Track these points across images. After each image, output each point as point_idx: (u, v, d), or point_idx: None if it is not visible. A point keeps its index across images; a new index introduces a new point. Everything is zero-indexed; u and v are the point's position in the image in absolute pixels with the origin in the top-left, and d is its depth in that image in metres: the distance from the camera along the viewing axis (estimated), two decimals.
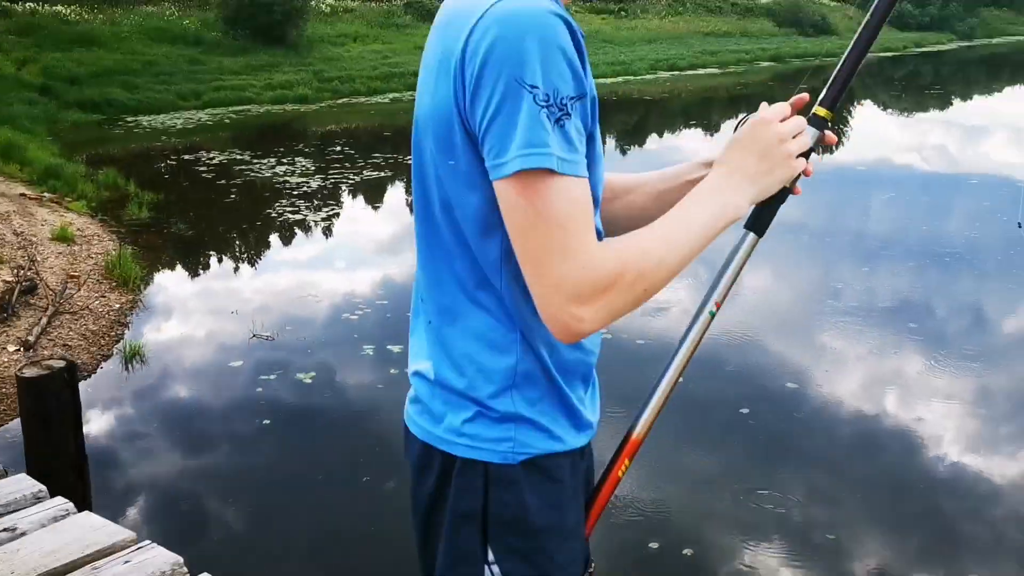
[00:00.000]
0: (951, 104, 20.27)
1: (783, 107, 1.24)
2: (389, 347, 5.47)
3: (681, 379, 1.30)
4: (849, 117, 18.43)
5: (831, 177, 11.40)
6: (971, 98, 21.76)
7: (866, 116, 18.51)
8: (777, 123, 1.21)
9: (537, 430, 1.20)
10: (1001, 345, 5.83)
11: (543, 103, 1.02)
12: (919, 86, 24.67)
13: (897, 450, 4.38)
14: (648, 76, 23.37)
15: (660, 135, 15.79)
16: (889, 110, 19.47)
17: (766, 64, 28.44)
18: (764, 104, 1.26)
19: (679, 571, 3.39)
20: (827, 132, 1.27)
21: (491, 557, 1.21)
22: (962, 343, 5.79)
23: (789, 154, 1.21)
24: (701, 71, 25.24)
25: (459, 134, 1.09)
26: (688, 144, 14.23)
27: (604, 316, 1.08)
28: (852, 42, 1.25)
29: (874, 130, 16.31)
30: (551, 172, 1.03)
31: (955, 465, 4.21)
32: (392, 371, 5.10)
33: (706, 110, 19.18)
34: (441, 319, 1.22)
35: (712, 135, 15.13)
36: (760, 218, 1.25)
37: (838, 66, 1.25)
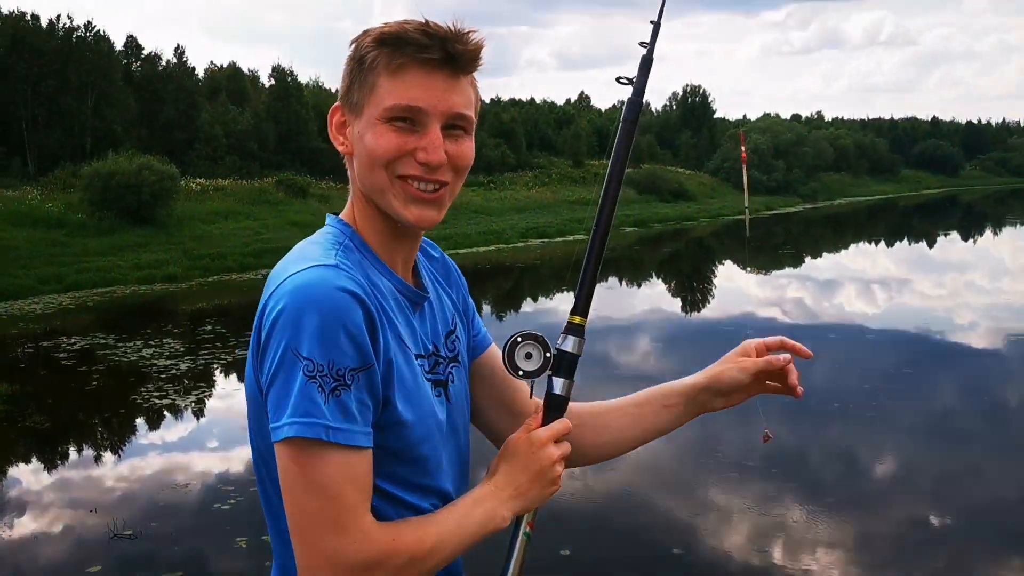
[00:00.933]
0: (803, 261, 21.63)
1: (562, 426, 1.28)
2: (264, 537, 5.15)
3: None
4: (712, 275, 19.38)
5: (699, 334, 11.83)
6: (820, 255, 23.30)
7: (727, 274, 19.49)
8: (551, 447, 1.25)
9: None
10: (871, 491, 5.98)
11: (314, 373, 1.06)
12: (772, 245, 26.30)
13: None
14: (519, 243, 24.14)
15: (535, 299, 16.15)
16: (748, 268, 20.59)
17: (630, 229, 29.87)
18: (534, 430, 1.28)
19: None
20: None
21: None
22: (838, 490, 5.91)
23: (557, 476, 1.26)
24: (570, 237, 26.27)
25: (258, 393, 1.14)
26: (562, 306, 14.58)
27: None
28: (584, 260, 1.37)
29: (735, 287, 17.14)
30: (321, 441, 1.06)
31: None
32: (268, 563, 4.78)
33: (577, 274, 19.78)
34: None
35: None
36: None
37: (580, 279, 1.35)
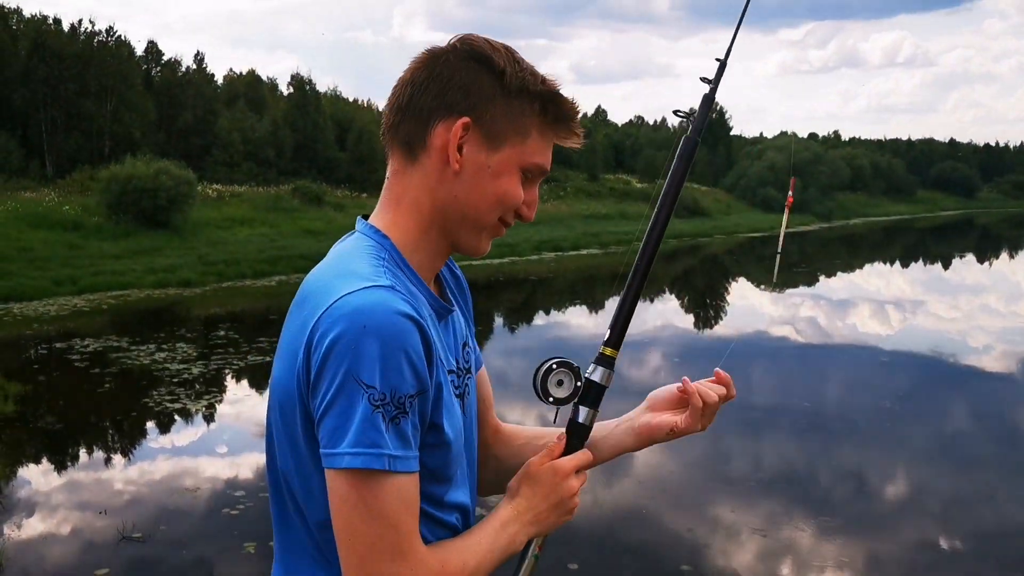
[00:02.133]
0: (817, 281, 21.55)
1: (584, 458, 1.29)
2: (272, 544, 5.16)
3: None
4: (726, 293, 19.32)
5: (710, 351, 11.79)
6: (834, 275, 23.21)
7: (741, 292, 19.44)
8: (573, 479, 1.27)
9: None
10: (881, 512, 5.94)
11: (378, 402, 1.05)
12: (788, 264, 26.22)
13: None
14: (533, 256, 24.13)
15: (547, 312, 16.13)
16: (762, 286, 20.52)
17: None
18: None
19: None
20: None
21: None
22: (847, 511, 5.88)
23: (575, 506, 1.28)
24: (584, 251, 26.26)
25: (300, 415, 1.12)
26: (574, 320, 14.56)
27: None
28: (623, 295, 1.34)
29: (748, 305, 17.10)
30: (383, 471, 1.06)
31: None
32: None
33: (590, 288, 19.80)
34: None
35: (596, 312, 15.55)
36: None
37: (616, 311, 1.33)
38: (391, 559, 1.07)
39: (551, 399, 1.27)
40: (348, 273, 1.12)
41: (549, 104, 1.20)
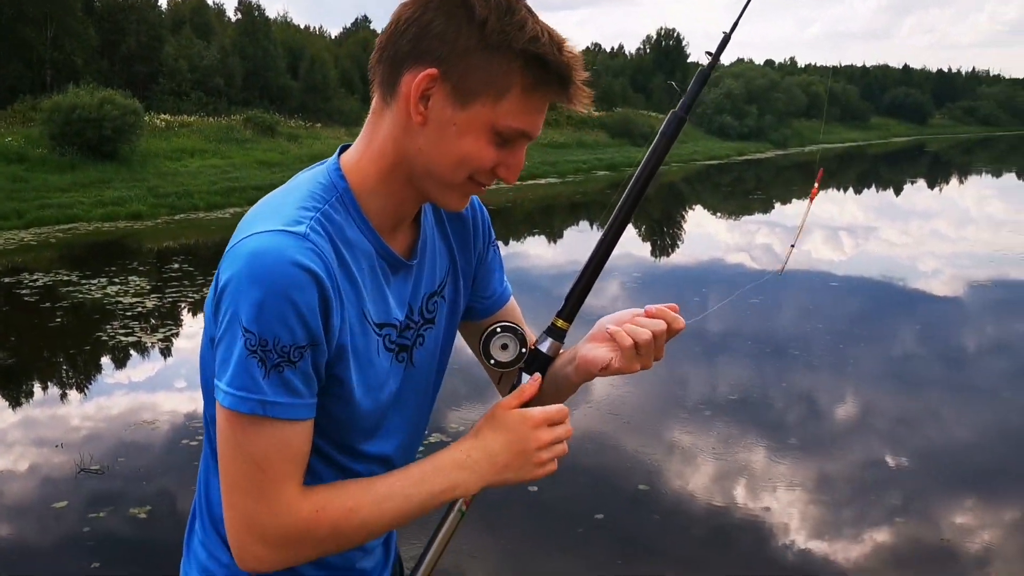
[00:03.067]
0: (773, 207, 21.75)
1: (558, 411, 1.22)
2: None
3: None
4: (682, 220, 19.45)
5: (669, 278, 11.92)
6: (789, 202, 23.43)
7: (698, 220, 19.57)
8: (544, 429, 1.20)
9: None
10: (832, 433, 6.12)
11: (255, 348, 1.05)
12: (744, 191, 26.40)
13: (748, 540, 4.46)
14: (491, 186, 23.97)
15: (506, 243, 16.13)
16: (718, 214, 20.68)
17: (602, 173, 29.80)
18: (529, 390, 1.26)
19: None
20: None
21: None
22: (799, 433, 6.05)
23: (541, 462, 1.20)
24: (542, 180, 26.15)
25: (209, 340, 1.15)
26: (533, 250, 14.58)
27: (287, 561, 1.12)
28: (588, 260, 1.31)
29: (704, 233, 17.24)
30: (252, 415, 1.06)
31: (802, 552, 4.31)
32: None
33: (548, 217, 19.80)
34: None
35: (555, 241, 15.58)
36: None
37: (575, 282, 1.30)
38: (253, 498, 1.08)
39: (492, 361, 1.26)
40: (271, 212, 1.11)
41: (532, 63, 1.09)
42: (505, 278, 1.49)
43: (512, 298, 1.49)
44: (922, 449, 5.75)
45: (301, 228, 1.08)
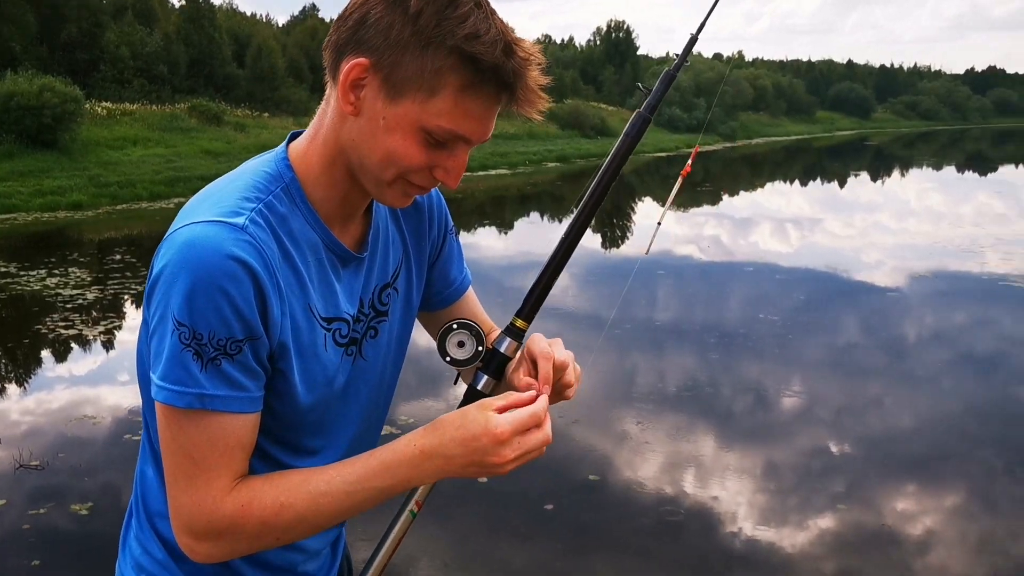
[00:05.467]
0: (720, 199, 22.01)
1: (531, 416, 1.13)
2: None
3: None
4: (632, 212, 19.59)
5: (616, 270, 12.00)
6: (737, 194, 23.74)
7: (646, 212, 19.73)
8: (511, 444, 1.11)
9: None
10: (778, 422, 6.22)
11: (189, 341, 1.02)
12: (692, 183, 26.65)
13: (697, 528, 4.51)
14: (431, 187, 23.87)
15: (456, 233, 16.07)
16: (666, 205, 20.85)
17: (552, 164, 29.87)
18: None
19: None
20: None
21: None
22: (746, 422, 6.14)
23: (506, 471, 1.13)
24: (492, 171, 26.13)
25: (145, 327, 1.13)
26: (484, 241, 14.56)
27: (217, 554, 1.10)
28: (548, 260, 1.27)
29: (653, 224, 17.36)
30: (185, 409, 1.05)
31: (749, 540, 4.38)
32: None
33: (499, 208, 19.79)
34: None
35: (505, 233, 15.58)
36: None
37: (535, 282, 1.27)
38: (183, 490, 1.08)
39: (448, 358, 1.24)
40: (211, 201, 1.08)
41: (468, 62, 1.03)
42: (465, 266, 1.47)
43: (471, 288, 1.48)
44: (865, 437, 5.87)
45: (240, 220, 1.05)
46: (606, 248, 14.37)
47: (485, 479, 4.86)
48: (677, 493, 4.92)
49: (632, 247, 14.41)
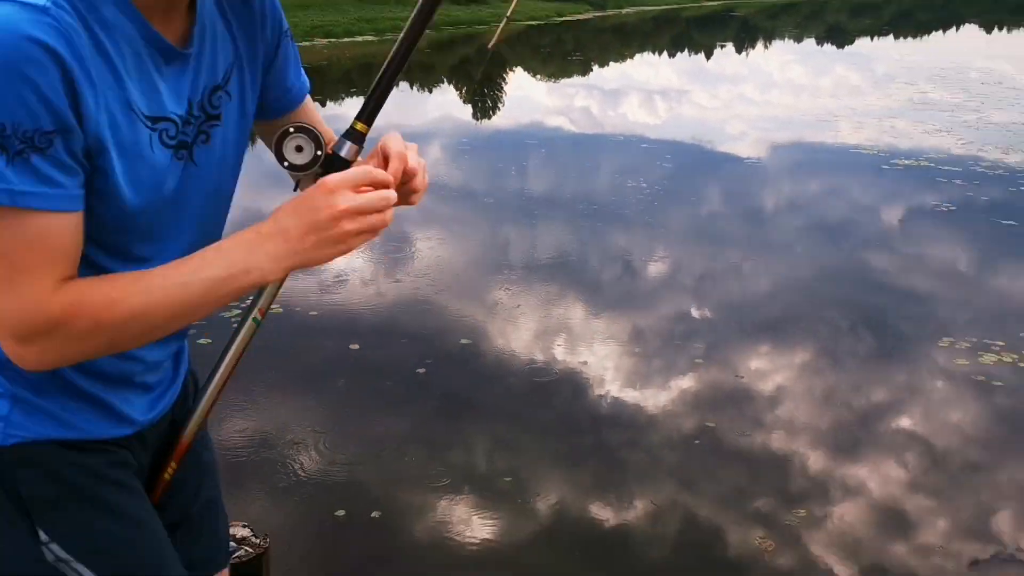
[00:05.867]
0: (591, 70, 21.98)
1: (364, 173, 1.13)
2: None
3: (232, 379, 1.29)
4: (503, 83, 19.37)
5: (489, 141, 11.94)
6: (607, 64, 23.74)
7: (518, 83, 19.54)
8: (343, 194, 1.09)
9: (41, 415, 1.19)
10: (643, 289, 6.47)
11: None
12: (563, 53, 26.48)
13: (566, 392, 4.71)
14: (304, 43, 22.87)
15: (323, 104, 15.56)
16: (538, 76, 20.70)
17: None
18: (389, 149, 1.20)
19: (367, 535, 3.39)
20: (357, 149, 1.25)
21: (43, 537, 1.20)
22: (614, 289, 6.36)
23: (346, 234, 1.10)
24: (359, 38, 25.15)
25: None
26: (352, 111, 14.13)
27: (54, 359, 1.06)
28: (387, 60, 1.25)
29: (525, 96, 17.27)
30: (3, 207, 0.96)
31: (616, 401, 4.61)
32: None
33: (367, 77, 19.16)
34: None
35: None
36: None
37: (375, 81, 1.25)
38: (4, 293, 1.00)
39: (286, 164, 1.19)
40: None
41: None
42: (303, 72, 1.42)
43: (309, 96, 1.44)
44: (724, 301, 6.18)
45: (41, 1, 0.95)
46: (477, 119, 14.23)
47: (353, 340, 4.90)
48: (548, 358, 5.09)
49: (504, 118, 14.31)
